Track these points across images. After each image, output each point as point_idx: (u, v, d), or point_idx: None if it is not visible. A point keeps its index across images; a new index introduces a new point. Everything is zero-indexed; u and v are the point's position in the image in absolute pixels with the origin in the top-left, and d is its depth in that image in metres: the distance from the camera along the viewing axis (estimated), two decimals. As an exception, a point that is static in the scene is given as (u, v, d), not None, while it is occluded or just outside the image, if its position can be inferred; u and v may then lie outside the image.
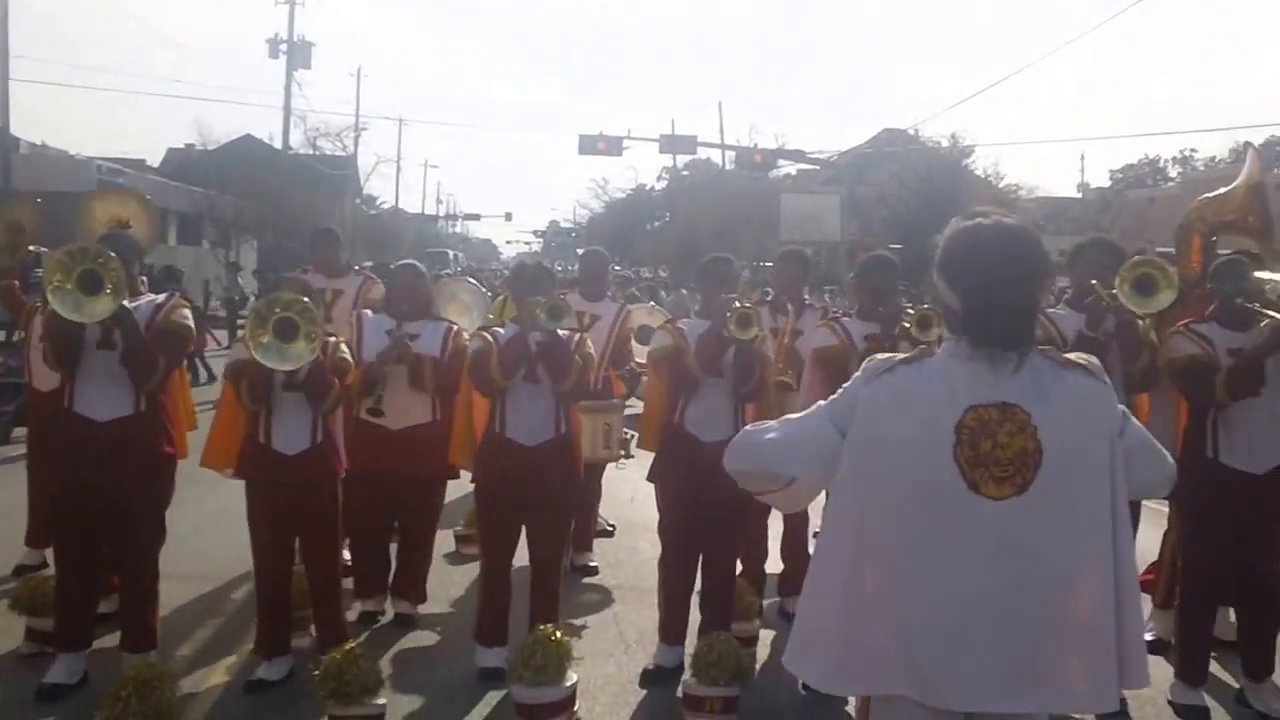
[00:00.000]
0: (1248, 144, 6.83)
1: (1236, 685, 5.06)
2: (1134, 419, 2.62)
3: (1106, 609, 2.42)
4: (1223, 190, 6.15)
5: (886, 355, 2.57)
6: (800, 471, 2.62)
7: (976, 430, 2.39)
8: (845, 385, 2.59)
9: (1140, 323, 4.82)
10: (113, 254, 4.56)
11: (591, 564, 6.98)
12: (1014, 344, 2.43)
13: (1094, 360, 2.56)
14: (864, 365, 2.56)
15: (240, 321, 22.70)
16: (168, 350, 4.84)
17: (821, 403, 2.63)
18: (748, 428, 2.74)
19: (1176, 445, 4.85)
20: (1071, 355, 2.55)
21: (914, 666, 2.40)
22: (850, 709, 4.74)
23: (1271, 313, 4.57)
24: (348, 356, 5.15)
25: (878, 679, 2.46)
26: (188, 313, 5.03)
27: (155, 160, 46.86)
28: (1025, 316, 2.47)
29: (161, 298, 5.01)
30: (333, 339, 5.14)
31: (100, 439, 4.71)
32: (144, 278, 5.58)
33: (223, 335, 21.94)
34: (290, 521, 4.93)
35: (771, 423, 2.71)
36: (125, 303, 4.61)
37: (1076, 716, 4.10)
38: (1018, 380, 2.42)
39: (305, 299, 4.76)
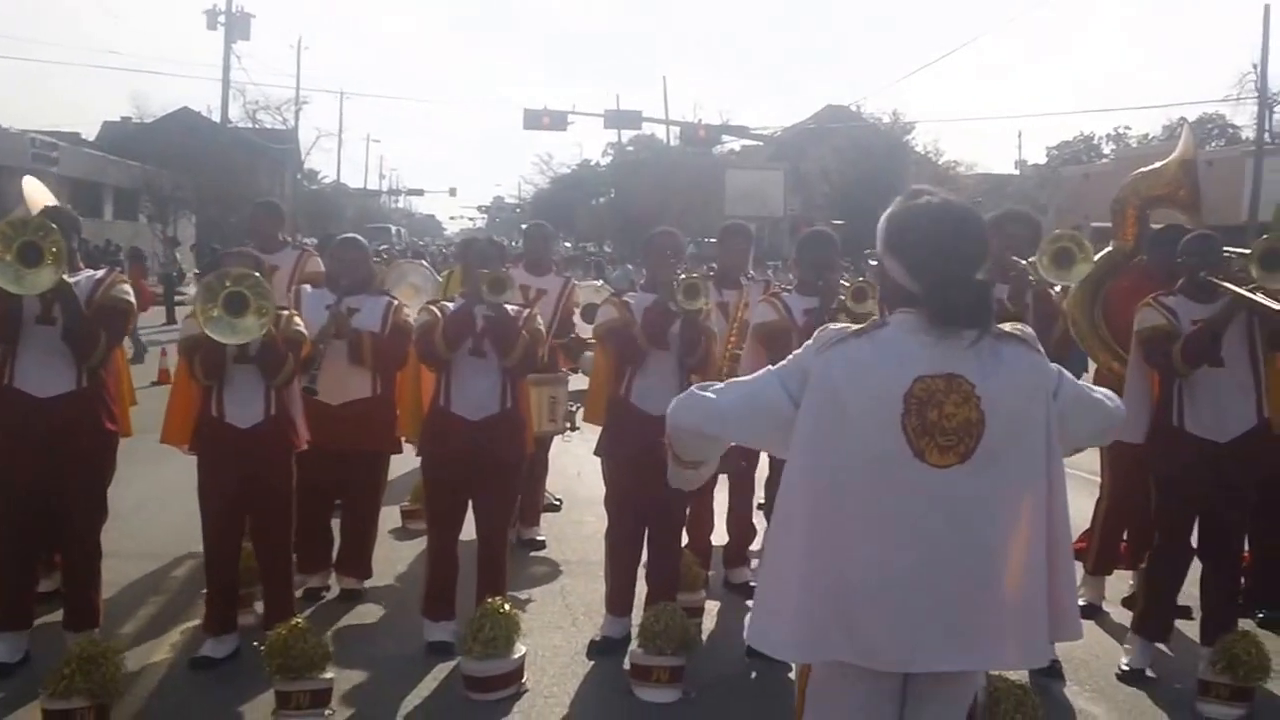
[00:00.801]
0: (1182, 119, 7.04)
1: (1172, 654, 5.18)
2: (1068, 374, 2.69)
3: (1040, 571, 2.51)
4: (1157, 165, 6.30)
5: (840, 326, 2.62)
6: (741, 433, 2.69)
7: (924, 400, 2.45)
8: (796, 353, 2.62)
9: (1053, 294, 4.93)
10: (54, 226, 4.48)
11: (539, 538, 7.00)
12: (977, 321, 2.48)
13: (1028, 330, 2.63)
14: (816, 334, 2.60)
15: (178, 298, 22.40)
16: (109, 326, 4.77)
17: (770, 368, 2.66)
18: (694, 387, 2.76)
19: (1147, 415, 4.96)
20: (1006, 327, 2.61)
21: (858, 632, 2.47)
22: (793, 675, 4.81)
23: (1230, 285, 4.69)
24: (301, 329, 5.10)
25: (829, 646, 2.52)
26: (128, 288, 4.95)
27: (91, 133, 45.85)
28: (985, 292, 2.53)
29: (101, 273, 4.92)
30: (285, 311, 5.09)
31: (41, 415, 4.63)
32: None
33: (160, 312, 21.61)
34: (242, 496, 4.87)
35: (719, 384, 2.73)
36: (65, 277, 4.53)
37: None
38: (964, 353, 2.48)
39: (255, 273, 4.71)
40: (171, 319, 21.02)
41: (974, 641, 2.47)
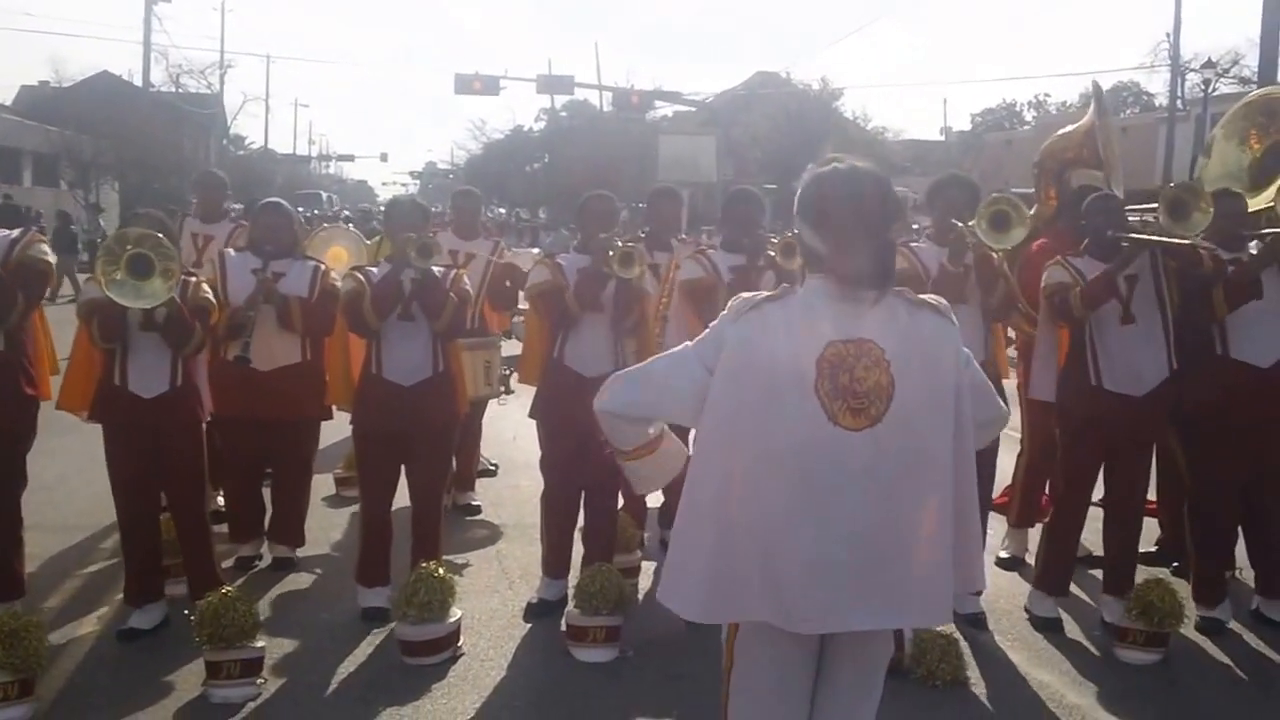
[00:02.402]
0: (1094, 83, 7.21)
1: (1092, 602, 5.36)
2: (975, 363, 2.78)
3: (947, 530, 2.59)
4: (1069, 128, 6.50)
5: (752, 294, 2.67)
6: (666, 412, 2.76)
7: (835, 364, 2.52)
8: (712, 324, 2.68)
9: (995, 256, 5.02)
10: None
11: (474, 503, 6.97)
12: (877, 282, 2.56)
13: (942, 301, 2.70)
14: (730, 304, 2.66)
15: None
16: (26, 286, 4.64)
17: (688, 344, 2.72)
18: (616, 374, 2.83)
19: (1055, 372, 5.15)
20: (923, 296, 2.69)
21: (775, 593, 2.52)
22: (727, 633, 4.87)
23: (1136, 235, 4.84)
24: (209, 295, 4.97)
25: (741, 607, 2.58)
26: (46, 247, 4.82)
27: (7, 98, 44.39)
28: (886, 254, 2.60)
29: (16, 233, 4.78)
30: (193, 278, 4.96)
31: None
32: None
33: (80, 279, 21.08)
34: (151, 466, 4.76)
35: (637, 367, 2.82)
36: None
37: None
38: (875, 318, 2.55)
39: (160, 235, 4.57)
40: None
41: (884, 601, 2.54)
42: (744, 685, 2.71)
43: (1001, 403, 2.94)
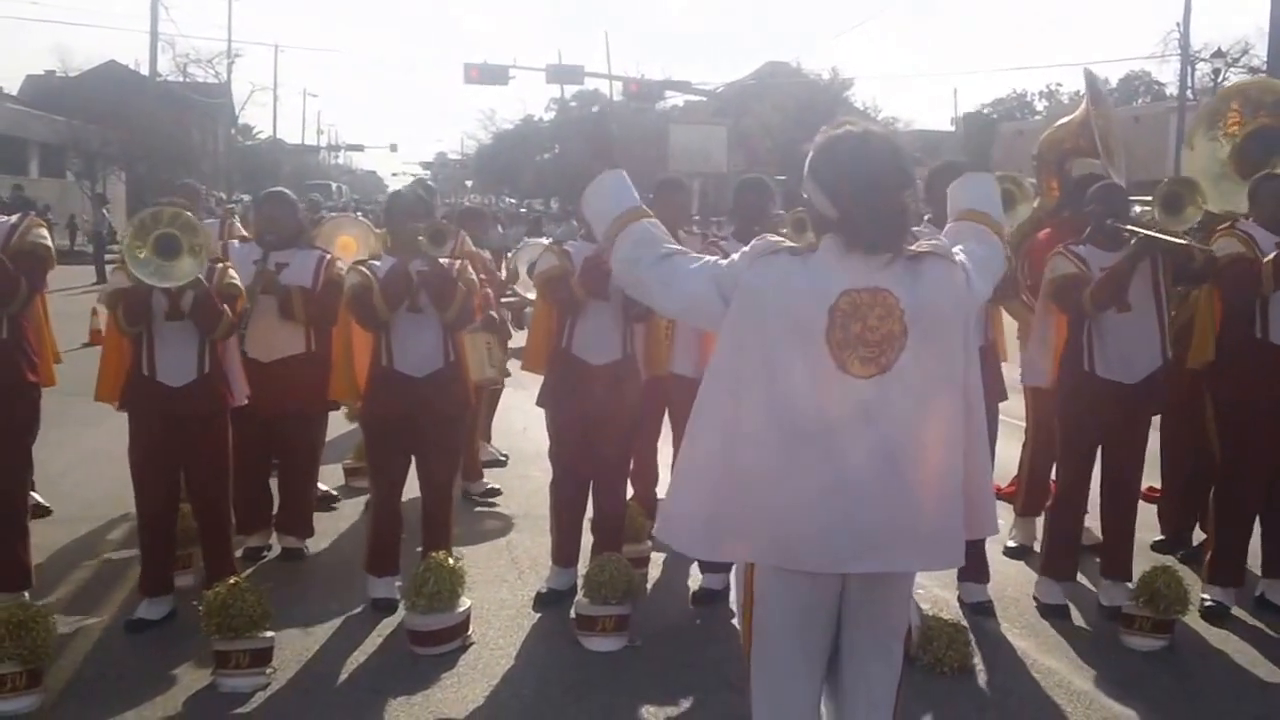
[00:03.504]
0: (1086, 71, 7.20)
1: (1094, 589, 5.35)
2: (963, 258, 2.76)
3: (956, 475, 2.62)
4: (1065, 119, 6.51)
5: (774, 239, 2.68)
6: (672, 311, 2.93)
7: (848, 313, 2.53)
8: (733, 257, 2.69)
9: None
10: None
11: (491, 486, 7.00)
12: (890, 245, 2.57)
13: (940, 243, 2.71)
14: (752, 244, 2.66)
15: (108, 257, 21.87)
16: (27, 272, 4.64)
17: (710, 262, 2.72)
18: (642, 253, 2.78)
19: (1055, 358, 5.12)
20: (920, 245, 2.68)
21: (781, 533, 2.55)
22: (736, 621, 4.86)
23: (1137, 229, 4.83)
24: (236, 281, 4.98)
25: (744, 546, 2.63)
26: (45, 233, 4.81)
27: (13, 88, 44.46)
28: (900, 218, 2.60)
29: (15, 218, 4.77)
30: (220, 264, 4.97)
31: None
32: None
33: (89, 270, 21.10)
34: (176, 457, 4.78)
35: (661, 250, 2.77)
36: None
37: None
38: (889, 270, 2.57)
39: (189, 214, 4.57)
40: (102, 278, 20.53)
41: (894, 546, 2.57)
42: (764, 623, 2.72)
43: (993, 249, 2.94)
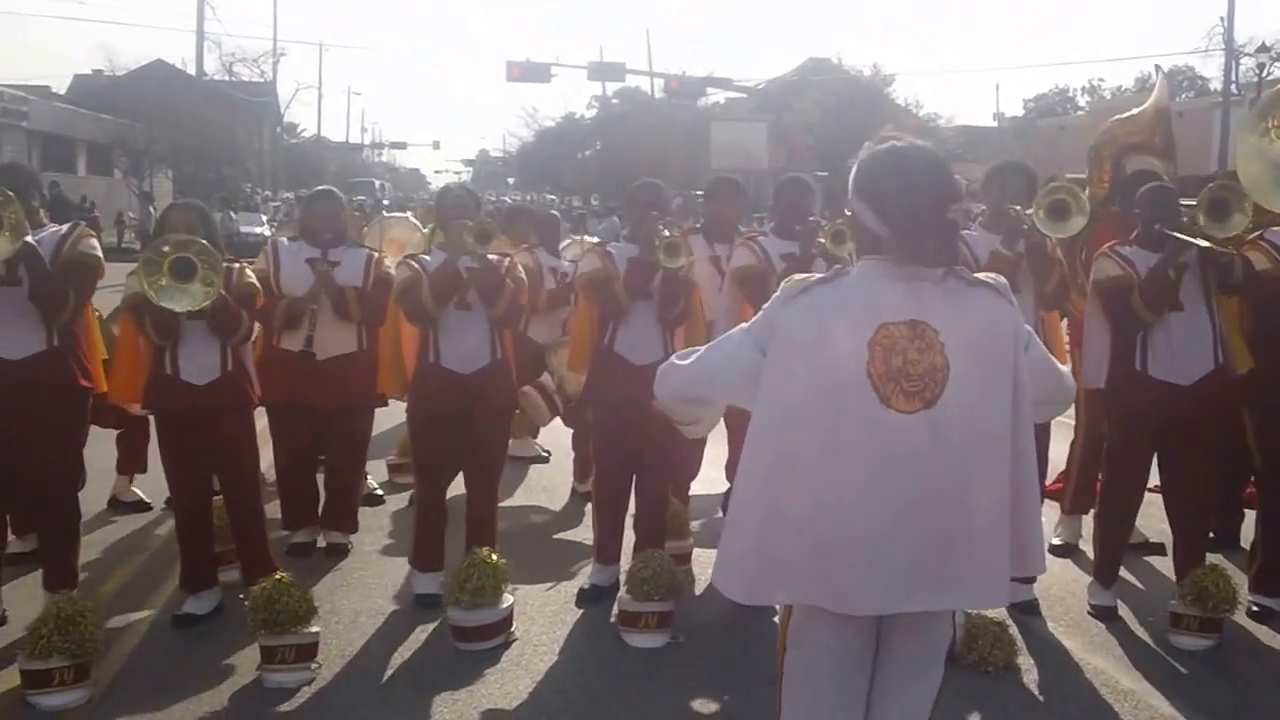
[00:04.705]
0: (1157, 67, 7.11)
1: (1144, 587, 5.30)
2: (1037, 339, 2.74)
3: (1003, 513, 2.54)
4: (1134, 111, 6.36)
5: (804, 276, 2.64)
6: (724, 395, 2.75)
7: (888, 347, 2.47)
8: (765, 306, 2.65)
9: (1049, 242, 4.94)
10: (10, 193, 4.35)
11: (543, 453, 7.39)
12: (940, 261, 2.51)
13: (1001, 279, 2.64)
14: (782, 286, 2.62)
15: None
16: (76, 282, 4.66)
17: (743, 325, 2.71)
18: (672, 357, 2.84)
19: (1107, 360, 4.99)
20: (980, 275, 2.62)
21: (826, 575, 2.50)
22: (778, 619, 4.84)
23: (1179, 235, 4.72)
24: (254, 281, 5.01)
25: (793, 589, 2.58)
26: (95, 243, 4.83)
27: (62, 87, 45.16)
28: (949, 234, 2.56)
29: (65, 228, 4.79)
30: (237, 265, 5.00)
31: (14, 377, 4.53)
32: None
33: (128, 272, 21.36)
34: (204, 453, 4.82)
35: (694, 350, 2.80)
36: (28, 239, 4.40)
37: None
38: (929, 299, 2.50)
39: (200, 240, 4.57)
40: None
41: (940, 584, 2.51)
42: (799, 668, 2.69)
43: (1067, 378, 2.87)
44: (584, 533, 5.59)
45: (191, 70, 41.77)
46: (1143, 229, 4.89)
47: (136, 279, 4.59)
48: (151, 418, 5.25)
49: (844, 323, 2.49)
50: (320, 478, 5.97)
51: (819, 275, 2.62)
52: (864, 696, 2.70)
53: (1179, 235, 4.71)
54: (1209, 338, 4.79)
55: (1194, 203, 4.96)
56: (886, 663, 2.69)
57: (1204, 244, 4.69)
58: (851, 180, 2.61)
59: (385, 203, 33.77)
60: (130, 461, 6.46)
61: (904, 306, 2.49)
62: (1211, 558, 5.08)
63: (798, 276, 2.64)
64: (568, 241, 8.27)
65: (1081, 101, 53.60)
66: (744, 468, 2.63)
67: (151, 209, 25.84)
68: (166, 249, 4.47)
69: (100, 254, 4.86)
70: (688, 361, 2.75)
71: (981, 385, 2.50)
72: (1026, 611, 4.93)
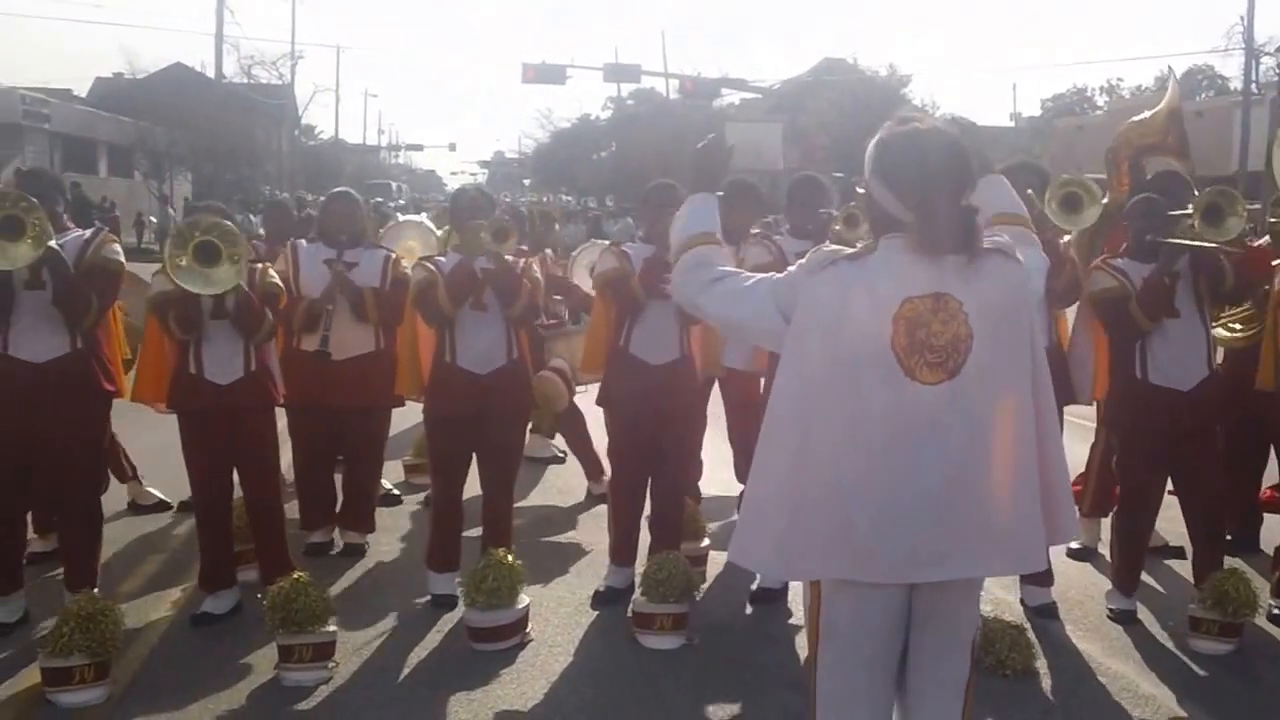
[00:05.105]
0: (1169, 69, 7.08)
1: (1164, 591, 5.27)
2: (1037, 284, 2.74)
3: (1032, 479, 2.56)
4: (1146, 114, 6.35)
5: (832, 248, 2.63)
6: (748, 341, 2.77)
7: (911, 320, 2.49)
8: (790, 269, 2.66)
9: (1062, 241, 4.92)
10: (33, 200, 4.39)
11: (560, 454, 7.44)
12: (963, 246, 2.51)
13: (1004, 240, 2.63)
14: (809, 255, 2.62)
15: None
16: (99, 287, 4.69)
17: (767, 280, 2.70)
18: (696, 268, 2.80)
19: (1096, 364, 5.02)
20: (985, 241, 2.60)
21: (853, 545, 2.51)
22: (794, 620, 4.85)
23: (1172, 240, 4.72)
24: (277, 281, 5.04)
25: (817, 560, 2.57)
26: (117, 247, 4.87)
27: (83, 90, 45.46)
28: (972, 216, 2.55)
29: (88, 233, 4.83)
30: (260, 265, 5.03)
31: (38, 380, 4.57)
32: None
33: (155, 268, 21.52)
34: (226, 452, 4.85)
35: (714, 274, 2.77)
36: (52, 244, 4.44)
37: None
38: (951, 270, 2.51)
39: (227, 222, 4.64)
40: (169, 277, 20.91)
41: (971, 551, 2.53)
42: (830, 658, 2.68)
43: (1036, 242, 2.84)
44: (599, 534, 5.59)
45: (210, 73, 42.00)
46: (1133, 240, 4.90)
47: (161, 273, 4.63)
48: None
49: (868, 297, 2.51)
50: (337, 478, 5.99)
51: (846, 250, 2.62)
52: (895, 669, 2.69)
53: (1172, 241, 4.72)
54: (1203, 344, 4.83)
55: (1189, 210, 4.96)
56: (916, 644, 2.68)
57: (1206, 245, 4.69)
58: (870, 159, 2.60)
59: (401, 203, 33.85)
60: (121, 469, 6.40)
61: (927, 279, 2.50)
62: (1230, 561, 5.06)
63: (826, 248, 2.64)
64: (583, 246, 8.27)
65: (1100, 101, 53.25)
66: (765, 438, 2.63)
67: (170, 210, 25.98)
68: (198, 231, 4.51)
69: (122, 259, 4.90)
70: (714, 293, 2.73)
71: (1002, 351, 2.53)
72: (1045, 615, 4.92)
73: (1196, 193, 5.21)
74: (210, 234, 4.51)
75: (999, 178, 2.95)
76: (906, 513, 2.48)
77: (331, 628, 4.38)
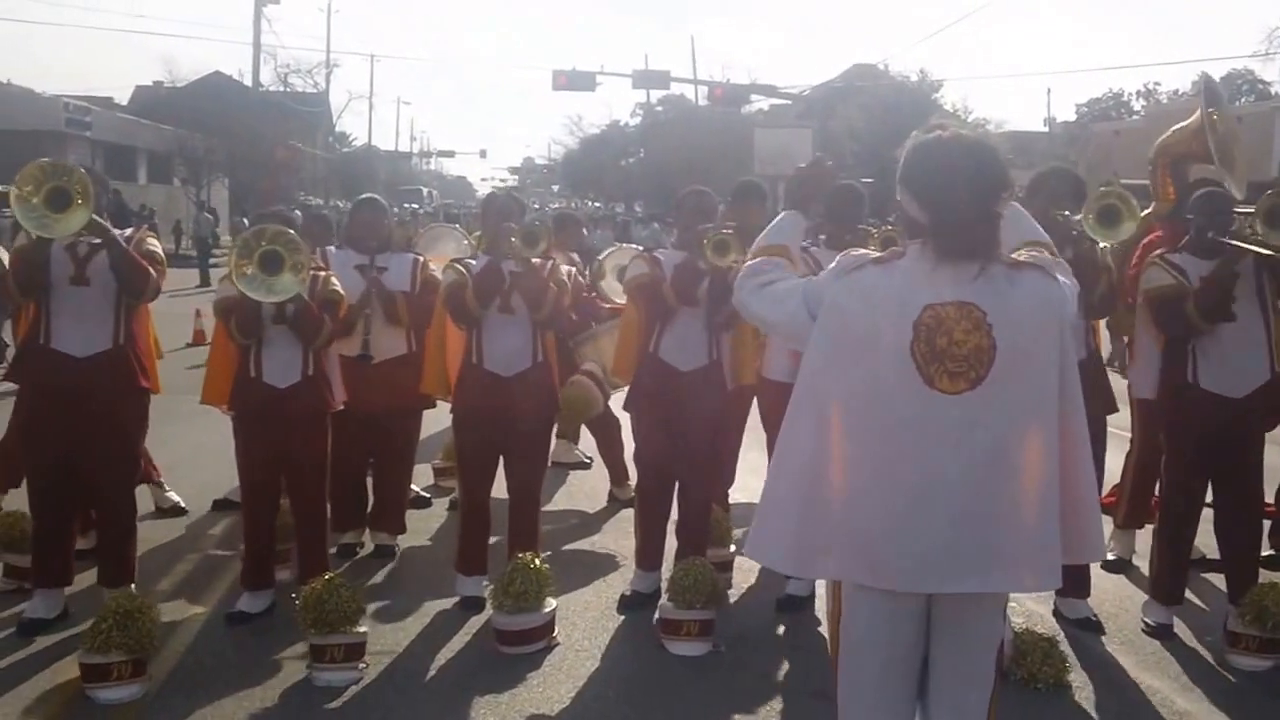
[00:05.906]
0: (1203, 73, 6.99)
1: (1204, 605, 5.19)
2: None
3: (1051, 496, 2.54)
4: (1183, 123, 6.29)
5: (861, 252, 2.66)
6: (773, 330, 3.03)
7: (933, 327, 2.49)
8: (820, 275, 2.70)
9: (1098, 249, 4.86)
10: (83, 169, 4.49)
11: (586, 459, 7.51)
12: (979, 255, 2.52)
13: (1045, 257, 2.64)
14: (839, 259, 2.65)
15: (213, 261, 22.60)
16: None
17: (800, 284, 2.74)
18: (747, 275, 2.89)
19: (1156, 371, 4.92)
20: (1022, 255, 2.62)
21: (867, 551, 2.52)
22: (822, 629, 4.82)
23: (1236, 242, 4.64)
24: (338, 288, 5.10)
25: (833, 563, 2.59)
26: (156, 242, 4.97)
27: (123, 98, 46.07)
28: (989, 228, 2.55)
29: (129, 231, 4.94)
30: (322, 273, 5.09)
31: (80, 374, 4.65)
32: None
33: (193, 273, 21.80)
34: (280, 455, 4.89)
35: (762, 279, 2.84)
36: (96, 218, 4.53)
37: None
38: (977, 281, 2.51)
39: (290, 231, 4.70)
40: (205, 281, 21.21)
41: (986, 566, 2.51)
42: (851, 662, 2.69)
43: (1067, 268, 2.82)
44: (625, 539, 5.60)
45: (248, 81, 42.35)
46: (1194, 236, 4.80)
47: (227, 279, 4.72)
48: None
49: (890, 303, 2.52)
50: (368, 480, 6.03)
51: (875, 254, 2.65)
52: (916, 674, 2.69)
53: (1238, 243, 4.62)
54: (1263, 348, 4.70)
55: (1250, 210, 4.87)
56: (936, 653, 2.67)
57: (1265, 251, 4.59)
58: (899, 167, 2.63)
59: (431, 208, 34.05)
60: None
61: (952, 288, 2.51)
62: (1271, 576, 4.98)
63: (856, 251, 2.67)
64: (611, 249, 8.28)
65: (1136, 106, 52.70)
66: (784, 438, 2.65)
67: (207, 215, 26.27)
68: (263, 241, 4.58)
69: (161, 252, 4.99)
70: (762, 295, 2.81)
71: (1029, 366, 2.52)
72: (1085, 628, 4.85)
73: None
74: (275, 243, 4.58)
75: (1015, 206, 2.93)
76: (920, 521, 2.48)
77: (362, 629, 4.41)
